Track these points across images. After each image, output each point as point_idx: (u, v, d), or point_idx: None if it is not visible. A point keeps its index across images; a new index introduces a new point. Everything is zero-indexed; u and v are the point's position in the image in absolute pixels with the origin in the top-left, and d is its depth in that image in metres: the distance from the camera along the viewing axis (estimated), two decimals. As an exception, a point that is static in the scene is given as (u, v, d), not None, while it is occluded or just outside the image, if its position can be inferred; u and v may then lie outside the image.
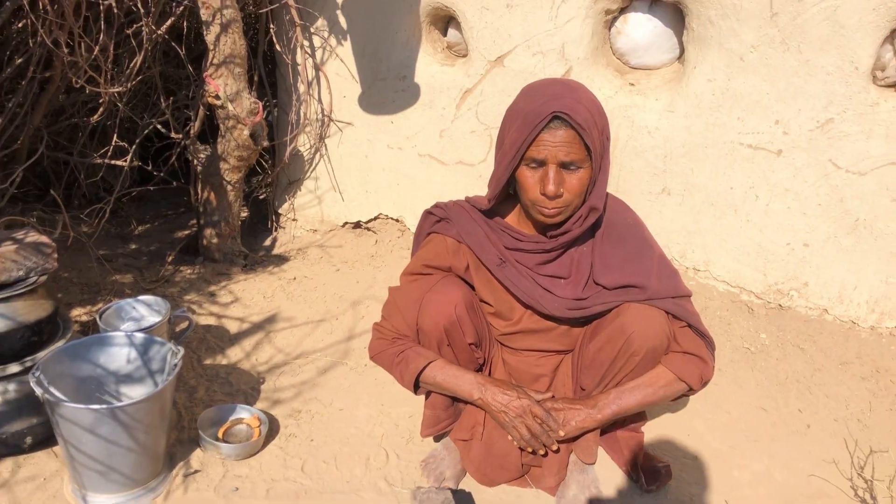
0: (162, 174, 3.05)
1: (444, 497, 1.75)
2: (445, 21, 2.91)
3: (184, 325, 2.33)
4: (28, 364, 1.90)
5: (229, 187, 2.88)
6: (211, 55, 2.58)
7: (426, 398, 1.95)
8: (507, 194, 1.84)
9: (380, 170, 3.06)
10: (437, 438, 2.08)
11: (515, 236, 1.80)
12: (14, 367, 1.88)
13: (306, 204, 3.22)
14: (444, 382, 1.80)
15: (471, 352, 1.84)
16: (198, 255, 3.04)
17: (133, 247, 3.17)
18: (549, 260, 1.80)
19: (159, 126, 2.96)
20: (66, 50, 2.37)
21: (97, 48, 2.37)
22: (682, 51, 2.66)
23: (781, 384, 2.41)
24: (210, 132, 3.22)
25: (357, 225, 3.22)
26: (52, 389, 1.74)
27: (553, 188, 1.61)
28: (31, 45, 2.36)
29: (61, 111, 2.83)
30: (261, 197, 3.58)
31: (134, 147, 2.71)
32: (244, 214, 3.41)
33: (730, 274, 2.71)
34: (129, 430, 1.72)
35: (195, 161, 2.93)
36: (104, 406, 1.68)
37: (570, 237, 1.73)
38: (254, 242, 3.25)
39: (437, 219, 1.90)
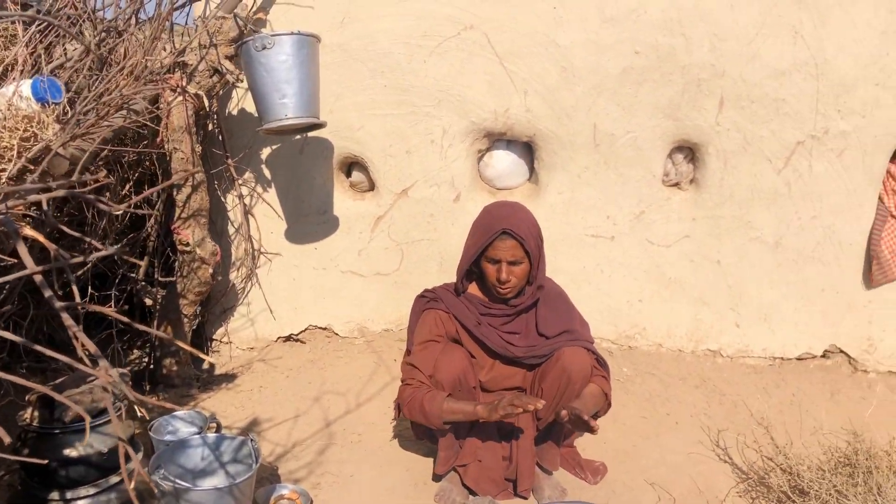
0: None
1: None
2: (348, 165, 3.69)
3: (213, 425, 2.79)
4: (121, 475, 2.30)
5: (185, 320, 3.35)
6: (179, 210, 3.12)
7: (439, 443, 2.63)
8: (472, 279, 2.64)
9: (307, 288, 3.70)
10: (438, 479, 2.75)
11: (486, 305, 2.61)
12: (115, 478, 2.29)
13: (240, 327, 3.74)
14: (457, 408, 2.44)
15: (474, 393, 2.57)
16: (153, 384, 3.42)
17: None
18: (508, 321, 2.63)
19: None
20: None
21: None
22: (531, 173, 3.66)
23: (648, 399, 3.37)
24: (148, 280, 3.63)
25: (288, 338, 3.78)
26: (177, 480, 2.19)
27: (504, 277, 2.49)
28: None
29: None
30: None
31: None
32: (174, 345, 3.82)
33: (592, 329, 3.67)
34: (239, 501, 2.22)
35: (153, 301, 3.37)
36: (225, 485, 2.18)
37: (524, 304, 2.60)
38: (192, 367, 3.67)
39: (427, 300, 2.67)
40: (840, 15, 3.27)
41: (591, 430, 2.31)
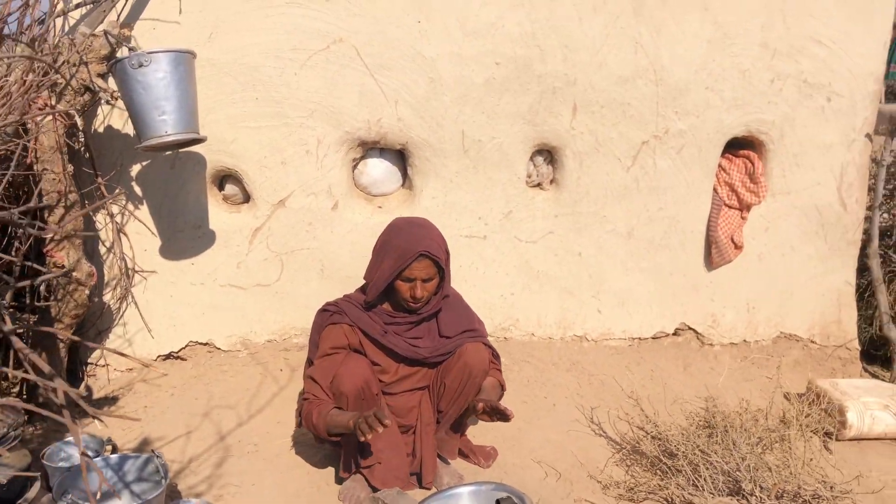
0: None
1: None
2: (221, 178, 3.68)
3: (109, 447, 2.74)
4: (23, 506, 2.24)
5: (61, 345, 3.24)
6: (52, 233, 3.02)
7: (342, 447, 2.72)
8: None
9: (185, 304, 3.66)
10: (341, 482, 2.84)
11: (391, 315, 2.74)
12: (14, 512, 2.22)
13: (117, 348, 3.63)
14: (338, 422, 2.54)
15: (377, 400, 2.69)
16: (29, 414, 3.27)
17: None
18: (412, 328, 2.77)
19: None
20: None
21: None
22: (405, 179, 3.81)
23: (527, 385, 3.62)
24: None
25: (168, 356, 3.72)
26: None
27: (419, 294, 2.65)
28: None
29: None
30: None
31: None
32: (44, 373, 3.65)
33: (470, 325, 3.88)
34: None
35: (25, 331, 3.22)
36: (138, 504, 2.18)
37: (429, 312, 2.77)
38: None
39: (331, 313, 2.75)
40: (673, 26, 3.65)
41: (507, 418, 2.51)
